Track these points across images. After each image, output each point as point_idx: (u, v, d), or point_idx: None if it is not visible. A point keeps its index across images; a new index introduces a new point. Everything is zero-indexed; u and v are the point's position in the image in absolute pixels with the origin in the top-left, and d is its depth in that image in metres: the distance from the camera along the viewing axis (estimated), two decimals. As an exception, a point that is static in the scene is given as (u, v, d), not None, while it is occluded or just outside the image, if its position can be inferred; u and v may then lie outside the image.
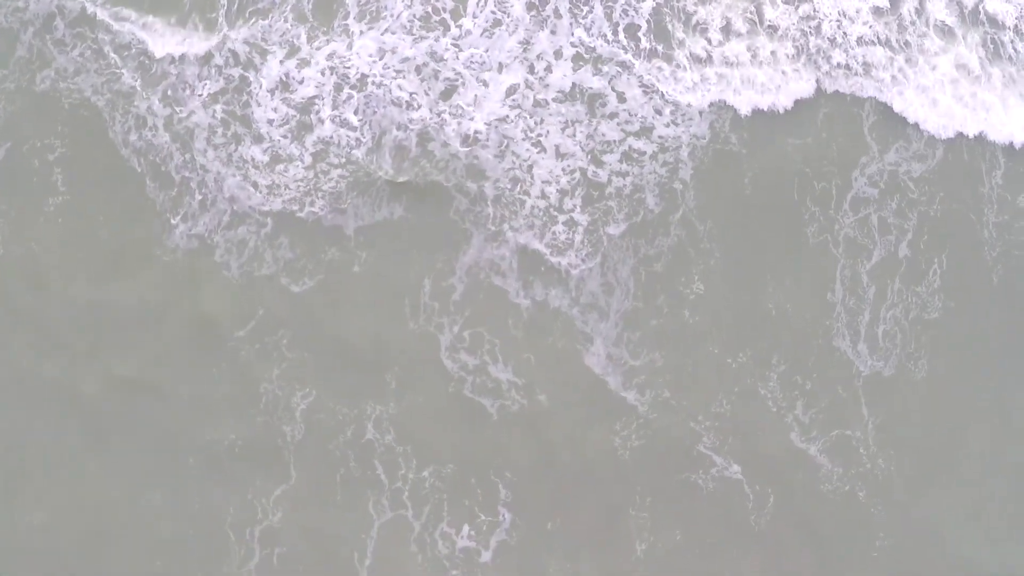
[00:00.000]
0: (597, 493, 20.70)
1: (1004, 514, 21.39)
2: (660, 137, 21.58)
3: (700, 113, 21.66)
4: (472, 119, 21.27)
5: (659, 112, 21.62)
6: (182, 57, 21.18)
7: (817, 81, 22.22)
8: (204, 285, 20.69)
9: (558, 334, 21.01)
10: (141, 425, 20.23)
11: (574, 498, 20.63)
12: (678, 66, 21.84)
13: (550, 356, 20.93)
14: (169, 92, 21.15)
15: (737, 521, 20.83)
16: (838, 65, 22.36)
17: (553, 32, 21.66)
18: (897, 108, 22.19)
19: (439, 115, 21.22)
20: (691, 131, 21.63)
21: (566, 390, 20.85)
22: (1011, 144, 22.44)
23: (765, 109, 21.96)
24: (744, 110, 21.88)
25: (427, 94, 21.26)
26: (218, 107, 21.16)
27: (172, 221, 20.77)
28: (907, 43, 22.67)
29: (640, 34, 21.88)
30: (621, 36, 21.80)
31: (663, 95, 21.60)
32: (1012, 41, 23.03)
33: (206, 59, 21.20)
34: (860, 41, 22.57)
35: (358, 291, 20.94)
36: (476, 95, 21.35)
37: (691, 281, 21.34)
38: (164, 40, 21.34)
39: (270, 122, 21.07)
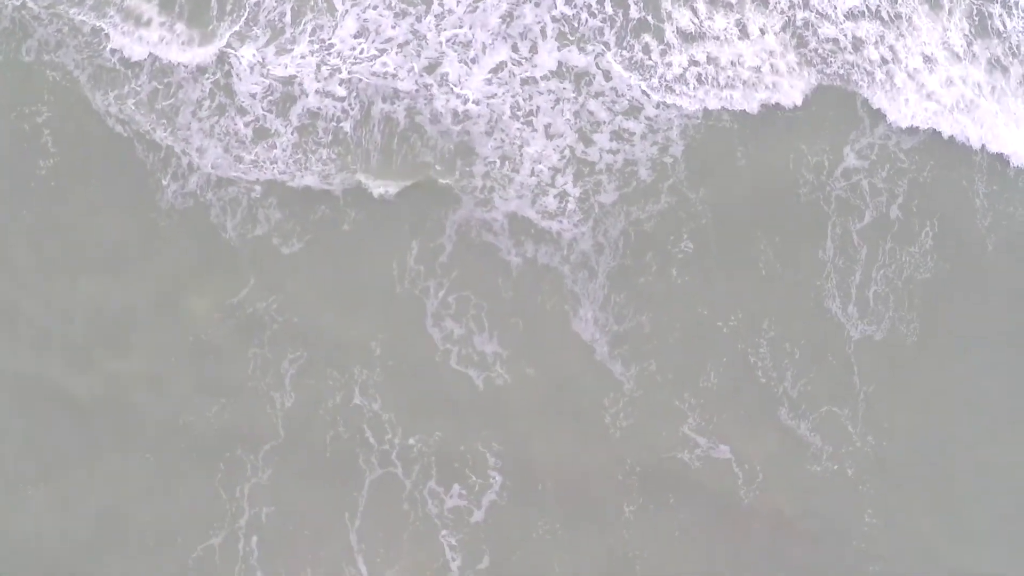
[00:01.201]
0: (586, 464, 20.60)
1: (1000, 492, 21.18)
2: (648, 118, 21.49)
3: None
4: (460, 97, 21.20)
5: (647, 93, 21.55)
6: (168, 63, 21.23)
7: (807, 67, 22.08)
8: (198, 248, 20.76)
9: (547, 294, 20.94)
10: (131, 394, 20.23)
11: (563, 466, 20.53)
12: (668, 45, 21.74)
13: (538, 321, 20.87)
14: (155, 64, 21.17)
15: (726, 494, 20.73)
16: (826, 39, 22.25)
17: (537, 4, 21.59)
18: (883, 108, 22.11)
19: (427, 87, 21.15)
20: (682, 112, 21.54)
21: (553, 362, 20.77)
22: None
23: (754, 112, 21.88)
24: (727, 112, 21.81)
25: (411, 71, 21.22)
26: (204, 79, 21.20)
27: (163, 182, 20.73)
28: (898, 15, 22.59)
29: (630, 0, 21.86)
30: (608, 7, 21.73)
31: (647, 90, 21.57)
32: (1000, 15, 23.00)
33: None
34: (850, 15, 22.49)
35: (347, 252, 20.93)
36: (460, 74, 21.27)
37: (680, 240, 21.25)
38: (144, 35, 21.34)
39: (253, 96, 21.04)
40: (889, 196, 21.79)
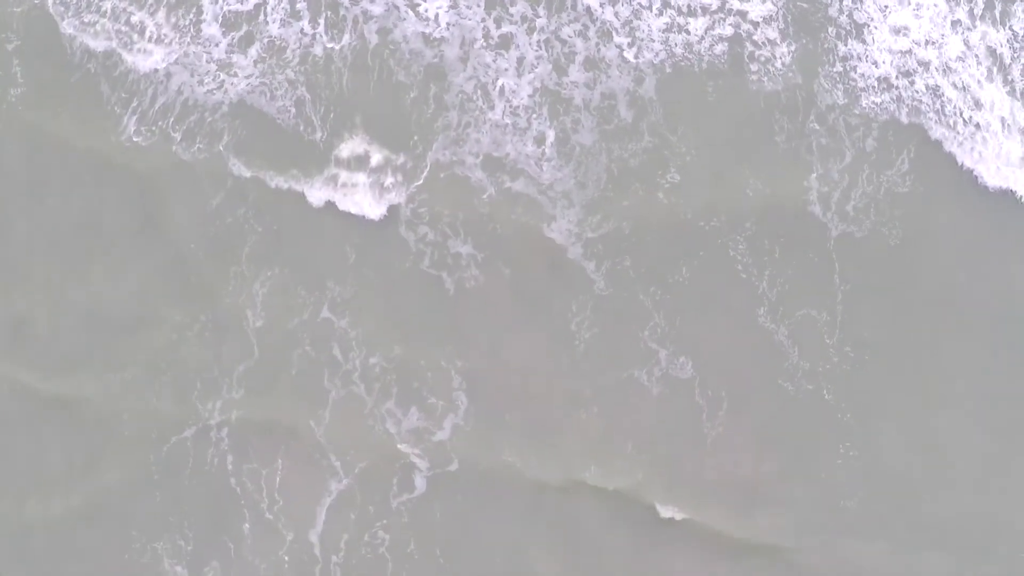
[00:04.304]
0: (551, 383, 20.45)
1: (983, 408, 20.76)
2: (618, 46, 21.42)
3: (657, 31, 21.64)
4: (431, 19, 21.13)
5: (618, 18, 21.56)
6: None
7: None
8: (169, 163, 20.78)
9: (523, 207, 20.78)
10: (113, 308, 20.42)
11: (528, 388, 20.41)
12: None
13: (512, 227, 20.74)
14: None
15: (691, 421, 20.50)
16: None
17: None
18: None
19: (397, 8, 21.12)
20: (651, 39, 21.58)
21: (526, 260, 20.66)
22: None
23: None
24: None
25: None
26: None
27: (123, 119, 20.85)
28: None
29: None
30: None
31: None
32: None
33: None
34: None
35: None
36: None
37: (667, 172, 21.04)
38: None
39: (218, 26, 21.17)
40: (865, 129, 21.69)
